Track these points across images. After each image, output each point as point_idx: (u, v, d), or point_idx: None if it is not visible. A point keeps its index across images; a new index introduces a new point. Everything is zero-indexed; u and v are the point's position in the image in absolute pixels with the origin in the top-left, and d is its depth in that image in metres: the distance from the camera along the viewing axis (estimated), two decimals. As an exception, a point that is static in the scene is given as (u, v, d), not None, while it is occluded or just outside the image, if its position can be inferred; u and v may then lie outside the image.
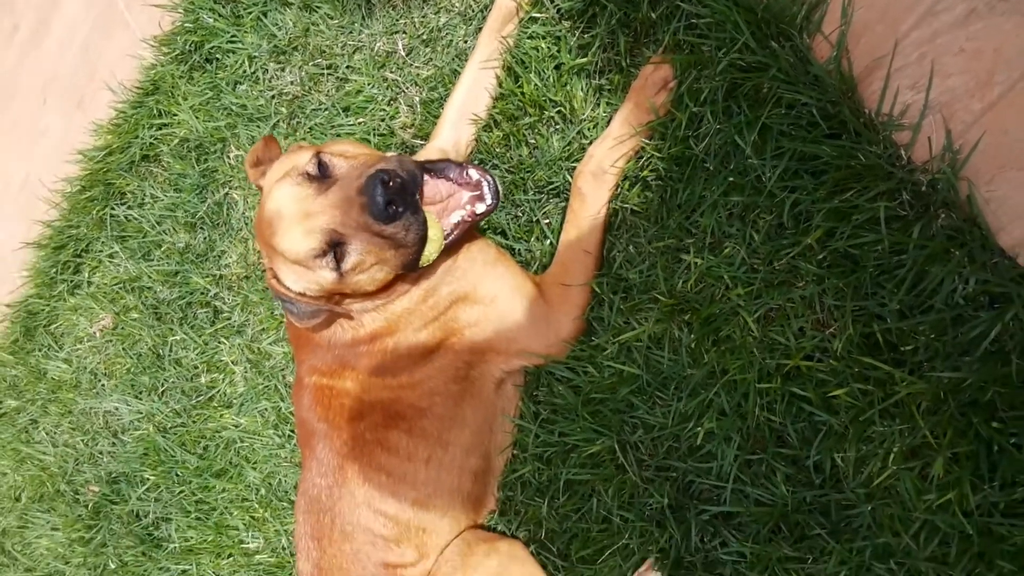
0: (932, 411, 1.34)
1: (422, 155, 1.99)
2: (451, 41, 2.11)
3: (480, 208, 1.71)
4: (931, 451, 1.34)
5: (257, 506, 2.51)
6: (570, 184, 1.81)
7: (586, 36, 1.81)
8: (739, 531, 1.59)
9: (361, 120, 2.25)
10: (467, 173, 1.71)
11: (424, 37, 2.16)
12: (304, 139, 2.38)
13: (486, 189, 1.70)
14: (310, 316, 1.73)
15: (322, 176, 1.62)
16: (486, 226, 1.98)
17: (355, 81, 2.27)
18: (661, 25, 1.68)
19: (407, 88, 2.18)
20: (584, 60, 1.80)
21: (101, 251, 3.06)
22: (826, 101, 1.41)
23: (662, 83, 1.66)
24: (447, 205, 1.73)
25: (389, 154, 1.71)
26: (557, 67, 1.86)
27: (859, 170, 1.38)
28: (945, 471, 1.31)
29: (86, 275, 3.16)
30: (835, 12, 1.45)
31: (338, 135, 2.29)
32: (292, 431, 2.43)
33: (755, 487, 1.56)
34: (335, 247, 1.61)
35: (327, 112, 2.34)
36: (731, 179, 1.54)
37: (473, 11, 2.07)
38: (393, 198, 1.54)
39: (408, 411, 1.76)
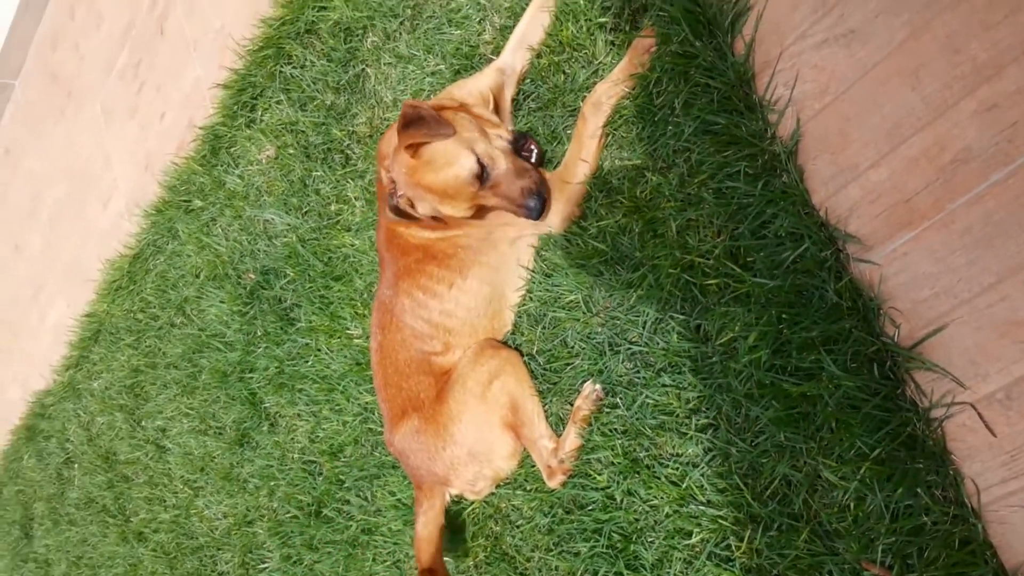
0: (758, 302, 2.05)
1: (489, 70, 2.71)
2: (527, -18, 2.79)
3: (533, 156, 2.56)
4: (751, 327, 2.05)
5: (360, 305, 3.39)
6: (583, 109, 2.51)
7: (606, 3, 2.47)
8: (646, 365, 2.36)
9: (458, 32, 2.99)
10: (530, 144, 2.54)
11: (509, -25, 2.85)
12: (419, 38, 3.14)
13: (534, 150, 2.56)
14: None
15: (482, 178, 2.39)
16: (528, 130, 2.72)
17: (458, 1, 3.00)
18: (650, 10, 2.32)
19: (492, 14, 2.88)
20: (604, 19, 2.46)
21: (271, 97, 3.94)
22: (728, 87, 2.06)
23: (647, 48, 2.32)
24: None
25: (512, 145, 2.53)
26: (588, 20, 2.53)
27: (739, 137, 2.04)
28: (755, 341, 2.03)
29: (259, 114, 4.04)
30: (750, 23, 2.07)
31: (440, 40, 3.04)
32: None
33: (659, 336, 2.31)
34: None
35: (437, 20, 3.08)
36: (670, 127, 2.22)
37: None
38: (540, 209, 2.40)
39: (440, 254, 2.54)
